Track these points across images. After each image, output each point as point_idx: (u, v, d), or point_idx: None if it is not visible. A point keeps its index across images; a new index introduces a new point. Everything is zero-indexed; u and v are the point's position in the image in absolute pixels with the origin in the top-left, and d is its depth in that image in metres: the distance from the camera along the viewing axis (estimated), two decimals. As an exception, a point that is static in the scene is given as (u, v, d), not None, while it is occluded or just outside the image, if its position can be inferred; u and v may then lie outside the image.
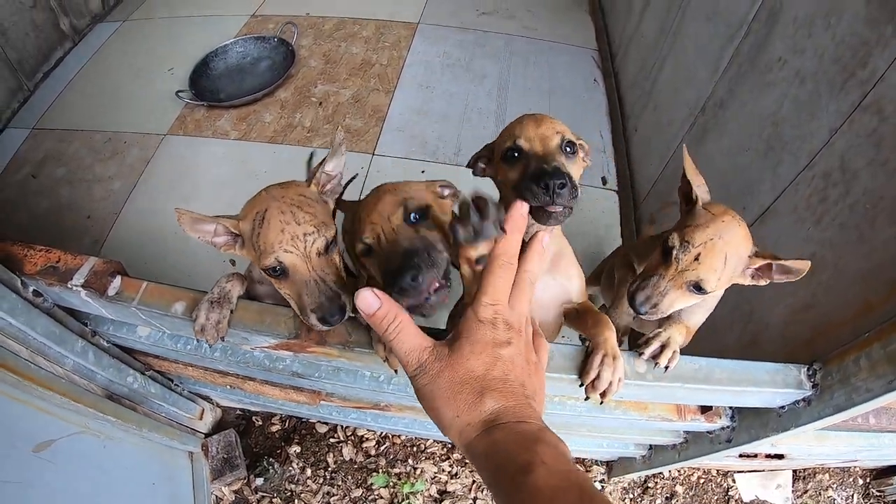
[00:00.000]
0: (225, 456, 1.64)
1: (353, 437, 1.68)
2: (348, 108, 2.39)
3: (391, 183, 0.78)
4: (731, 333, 1.28)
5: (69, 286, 0.87)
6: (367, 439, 1.68)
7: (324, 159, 0.82)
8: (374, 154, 2.22)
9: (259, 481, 1.64)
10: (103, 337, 1.16)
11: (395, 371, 0.77)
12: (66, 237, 2.07)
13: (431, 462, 1.67)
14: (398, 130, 2.31)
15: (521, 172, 0.72)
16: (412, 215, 0.69)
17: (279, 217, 0.71)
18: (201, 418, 1.63)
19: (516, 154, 0.75)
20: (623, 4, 2.58)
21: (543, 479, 0.43)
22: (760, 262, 0.78)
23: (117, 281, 0.87)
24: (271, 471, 1.64)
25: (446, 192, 0.83)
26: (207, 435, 1.68)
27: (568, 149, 0.74)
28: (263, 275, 0.77)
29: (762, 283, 0.79)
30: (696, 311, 0.90)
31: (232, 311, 0.82)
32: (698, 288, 0.77)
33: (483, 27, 2.83)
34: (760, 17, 1.32)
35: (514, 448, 0.46)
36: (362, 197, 0.83)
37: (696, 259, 0.75)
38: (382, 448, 1.67)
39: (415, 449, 1.69)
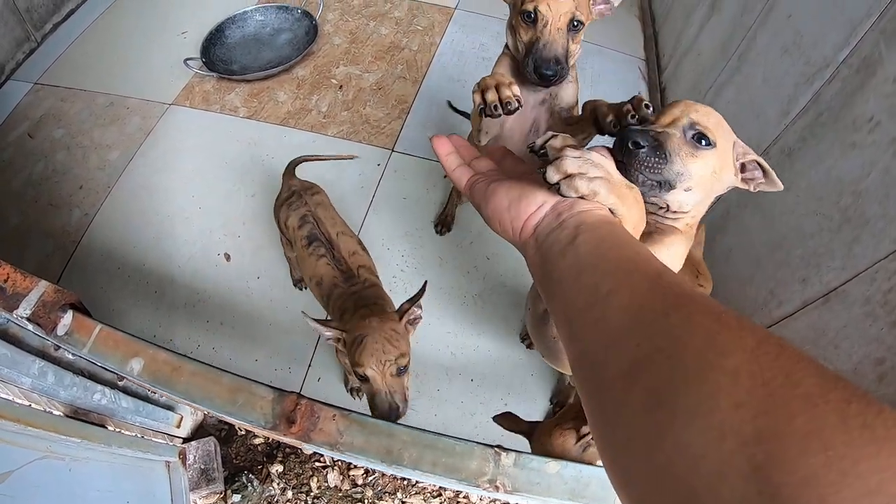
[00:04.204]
0: (202, 467, 1.53)
1: (340, 463, 1.56)
2: (370, 96, 2.21)
3: None
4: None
5: (14, 316, 0.73)
6: (355, 467, 1.56)
7: (415, 298, 1.14)
8: (392, 150, 2.04)
9: (236, 497, 1.53)
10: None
11: None
12: (56, 208, 1.95)
13: (421, 497, 1.55)
14: (422, 126, 2.12)
15: (529, 44, 0.91)
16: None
17: (372, 345, 1.02)
18: (179, 425, 1.51)
19: (532, 17, 0.90)
20: (679, 12, 2.35)
21: None
22: (750, 157, 0.70)
23: (68, 317, 0.73)
24: (250, 488, 1.53)
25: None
26: (186, 440, 1.57)
27: (575, 24, 0.91)
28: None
29: (752, 185, 0.71)
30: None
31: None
32: (701, 136, 0.64)
33: (524, 20, 2.57)
34: (851, 64, 1.12)
35: None
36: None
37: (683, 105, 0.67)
38: (370, 479, 1.55)
39: (405, 482, 1.56)
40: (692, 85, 2.08)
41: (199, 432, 1.59)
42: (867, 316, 0.94)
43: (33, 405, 1.06)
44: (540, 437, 1.05)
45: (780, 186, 0.70)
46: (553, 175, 0.46)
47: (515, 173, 0.54)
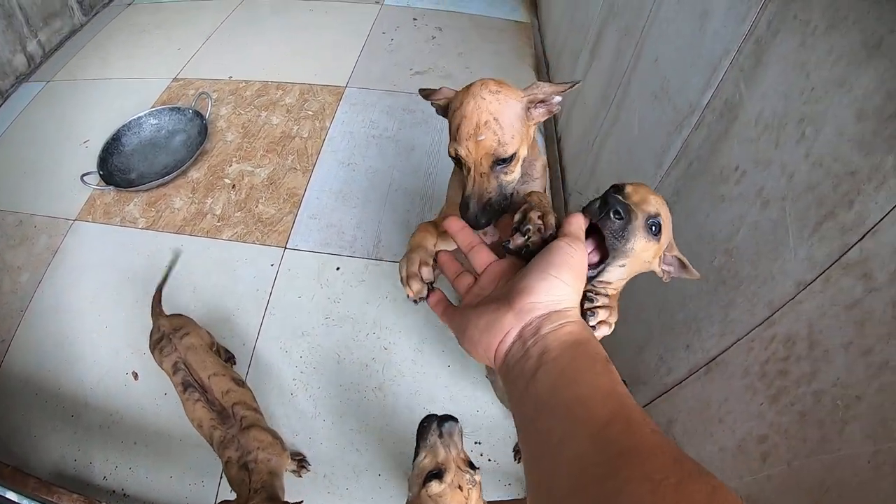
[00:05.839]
0: None
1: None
2: (262, 192, 2.24)
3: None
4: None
5: None
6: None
7: None
8: (286, 247, 2.08)
9: None
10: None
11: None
12: (-29, 338, 2.00)
13: None
14: (313, 218, 2.15)
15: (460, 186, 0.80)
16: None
17: None
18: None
19: (458, 160, 0.78)
20: (567, 60, 2.34)
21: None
22: (675, 253, 0.74)
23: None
24: None
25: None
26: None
27: (500, 165, 0.76)
28: None
29: (665, 275, 0.75)
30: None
31: None
32: (658, 229, 0.68)
33: (414, 89, 2.58)
34: (714, 108, 1.03)
35: None
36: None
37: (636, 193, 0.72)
38: None
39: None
40: (581, 135, 2.01)
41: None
42: (747, 389, 0.88)
43: None
44: None
45: (697, 276, 0.73)
46: (599, 316, 0.59)
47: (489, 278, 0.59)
